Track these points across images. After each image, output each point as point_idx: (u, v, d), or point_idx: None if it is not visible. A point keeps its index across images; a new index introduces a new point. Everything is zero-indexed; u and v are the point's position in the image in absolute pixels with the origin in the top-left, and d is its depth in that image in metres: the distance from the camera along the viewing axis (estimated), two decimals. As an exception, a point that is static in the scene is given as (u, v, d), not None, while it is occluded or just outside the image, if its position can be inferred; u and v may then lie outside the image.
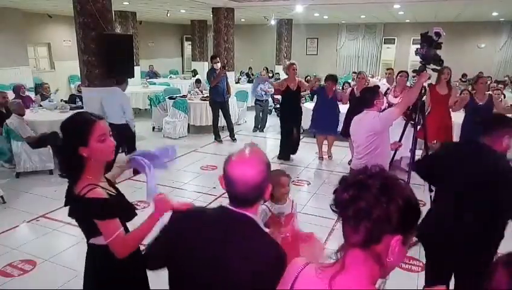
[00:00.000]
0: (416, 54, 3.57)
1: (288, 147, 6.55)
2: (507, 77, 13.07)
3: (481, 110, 5.14)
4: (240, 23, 15.04)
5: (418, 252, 3.66)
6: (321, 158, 6.66)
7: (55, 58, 13.10)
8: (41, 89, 8.43)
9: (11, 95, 7.42)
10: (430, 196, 3.93)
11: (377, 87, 4.09)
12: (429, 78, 3.44)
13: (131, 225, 1.70)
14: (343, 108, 6.47)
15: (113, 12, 6.51)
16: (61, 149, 1.64)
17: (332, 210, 0.96)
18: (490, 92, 5.45)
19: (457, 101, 5.57)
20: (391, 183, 0.92)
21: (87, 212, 1.56)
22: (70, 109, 7.13)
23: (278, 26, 14.84)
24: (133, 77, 6.48)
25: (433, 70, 3.47)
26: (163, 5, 10.92)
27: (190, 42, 17.24)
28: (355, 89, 6.24)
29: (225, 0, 9.88)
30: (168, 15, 12.53)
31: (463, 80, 13.03)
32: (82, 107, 6.56)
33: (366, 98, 3.45)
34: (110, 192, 1.65)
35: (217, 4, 10.22)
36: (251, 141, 1.28)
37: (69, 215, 1.66)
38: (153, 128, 8.90)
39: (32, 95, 8.57)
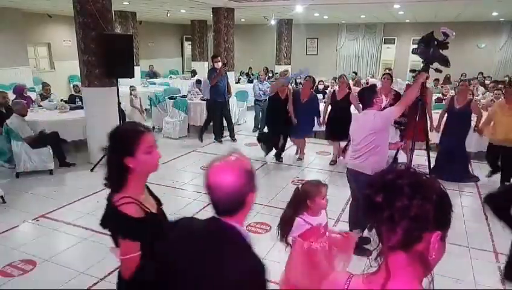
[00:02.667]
0: (412, 53, 3.59)
1: (268, 147, 6.51)
2: (507, 77, 13.06)
3: (457, 113, 5.33)
4: (239, 23, 15.03)
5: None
6: (299, 159, 6.64)
7: (55, 58, 13.10)
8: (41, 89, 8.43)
9: (11, 95, 7.43)
10: None
11: (375, 86, 4.09)
12: (427, 78, 3.43)
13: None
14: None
15: (113, 12, 6.51)
16: (108, 158, 1.63)
17: (366, 217, 0.94)
18: (472, 98, 5.68)
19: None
20: (422, 179, 0.92)
21: (114, 224, 1.57)
22: (70, 109, 7.14)
23: (278, 26, 14.84)
24: (133, 77, 6.48)
25: (436, 70, 3.46)
26: (163, 5, 10.92)
27: (190, 42, 17.23)
28: (336, 92, 6.20)
29: (225, 0, 9.88)
30: (168, 15, 12.53)
31: (463, 79, 13.03)
32: (82, 107, 6.57)
33: (365, 97, 3.44)
34: (146, 209, 1.61)
35: (217, 4, 10.22)
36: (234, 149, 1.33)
37: (100, 224, 1.64)
38: (153, 128, 8.87)
39: (33, 95, 8.57)
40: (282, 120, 6.26)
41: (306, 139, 6.74)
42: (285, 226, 2.44)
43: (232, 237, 1.22)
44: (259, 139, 6.67)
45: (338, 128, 5.97)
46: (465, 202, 4.97)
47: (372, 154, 3.29)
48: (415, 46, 3.55)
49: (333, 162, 6.43)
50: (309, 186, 2.48)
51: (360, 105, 5.95)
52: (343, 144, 5.95)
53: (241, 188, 1.21)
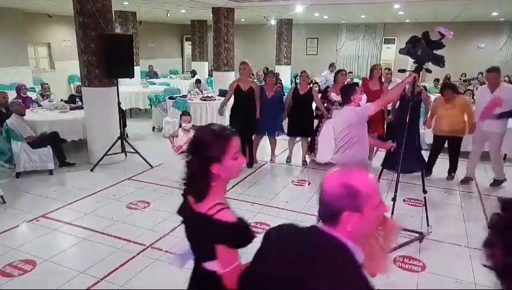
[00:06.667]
0: (399, 53, 3.58)
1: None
2: (507, 77, 13.07)
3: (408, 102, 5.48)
4: (239, 23, 15.03)
5: (417, 252, 3.66)
6: (272, 161, 6.44)
7: (55, 58, 13.10)
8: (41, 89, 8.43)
9: (13, 95, 7.44)
10: (424, 197, 3.96)
11: (355, 84, 4.16)
12: (415, 79, 3.40)
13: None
14: None
15: (113, 12, 6.51)
16: (191, 164, 1.47)
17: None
18: (421, 89, 6.00)
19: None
20: None
21: (214, 234, 1.41)
22: (70, 109, 7.14)
23: (278, 26, 14.83)
24: (133, 77, 6.48)
25: (426, 70, 3.44)
26: (163, 5, 10.92)
27: (190, 42, 17.23)
28: (299, 88, 6.16)
29: (225, 0, 9.88)
30: (168, 15, 12.53)
31: (463, 79, 13.04)
32: (82, 107, 6.57)
33: (343, 94, 3.67)
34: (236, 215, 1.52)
35: (217, 4, 10.22)
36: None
37: (188, 235, 1.53)
38: (153, 128, 8.89)
39: (32, 95, 8.58)
40: (248, 115, 5.85)
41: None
42: None
43: (337, 250, 1.11)
44: None
45: (298, 124, 6.08)
46: (465, 202, 4.97)
47: (347, 147, 3.46)
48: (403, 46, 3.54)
49: (289, 159, 6.41)
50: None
51: (320, 100, 6.10)
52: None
53: (334, 200, 1.12)
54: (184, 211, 1.57)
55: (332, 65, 12.60)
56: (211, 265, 1.45)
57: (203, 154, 1.43)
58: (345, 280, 1.04)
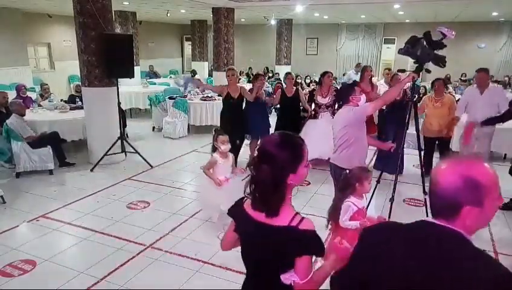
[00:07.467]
0: (398, 53, 3.57)
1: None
2: (507, 77, 13.07)
3: (393, 103, 5.37)
4: (239, 23, 15.03)
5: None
6: None
7: (55, 58, 13.10)
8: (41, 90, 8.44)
9: (13, 95, 7.44)
10: (425, 199, 3.94)
11: (354, 84, 4.12)
12: (415, 79, 3.38)
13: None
14: None
15: (113, 12, 6.51)
16: (263, 177, 1.38)
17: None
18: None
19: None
20: None
21: (302, 245, 1.37)
22: (70, 109, 7.13)
23: (278, 26, 14.84)
24: (133, 77, 6.48)
25: (426, 70, 3.43)
26: (163, 5, 10.93)
27: (190, 42, 17.24)
28: (285, 90, 6.17)
29: (225, 0, 9.88)
30: (168, 15, 12.54)
31: (463, 79, 13.05)
32: (82, 107, 6.57)
33: (342, 94, 3.65)
34: None
35: (217, 4, 10.22)
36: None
37: (255, 249, 1.46)
38: (153, 128, 8.89)
39: (32, 95, 8.58)
40: (238, 122, 5.76)
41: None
42: (336, 210, 2.77)
43: (456, 239, 1.07)
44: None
45: (287, 126, 5.89)
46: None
47: (345, 147, 3.44)
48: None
49: None
50: (359, 171, 2.78)
51: (306, 102, 6.16)
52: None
53: (454, 193, 1.06)
54: (246, 226, 1.49)
55: (358, 65, 12.40)
56: (289, 276, 1.38)
57: (279, 167, 1.36)
58: (483, 271, 1.01)
